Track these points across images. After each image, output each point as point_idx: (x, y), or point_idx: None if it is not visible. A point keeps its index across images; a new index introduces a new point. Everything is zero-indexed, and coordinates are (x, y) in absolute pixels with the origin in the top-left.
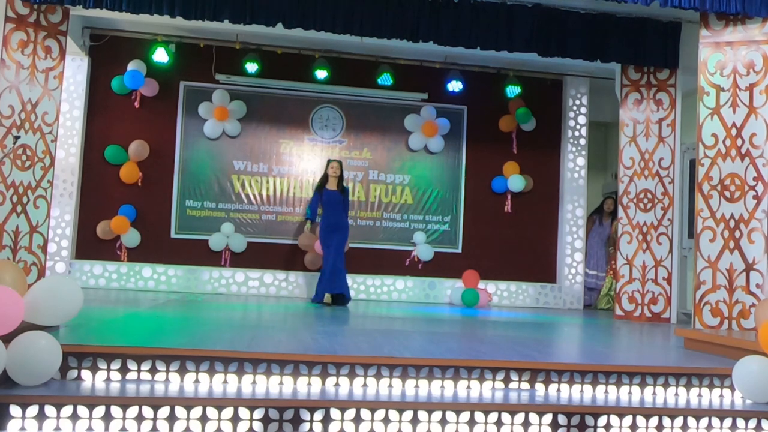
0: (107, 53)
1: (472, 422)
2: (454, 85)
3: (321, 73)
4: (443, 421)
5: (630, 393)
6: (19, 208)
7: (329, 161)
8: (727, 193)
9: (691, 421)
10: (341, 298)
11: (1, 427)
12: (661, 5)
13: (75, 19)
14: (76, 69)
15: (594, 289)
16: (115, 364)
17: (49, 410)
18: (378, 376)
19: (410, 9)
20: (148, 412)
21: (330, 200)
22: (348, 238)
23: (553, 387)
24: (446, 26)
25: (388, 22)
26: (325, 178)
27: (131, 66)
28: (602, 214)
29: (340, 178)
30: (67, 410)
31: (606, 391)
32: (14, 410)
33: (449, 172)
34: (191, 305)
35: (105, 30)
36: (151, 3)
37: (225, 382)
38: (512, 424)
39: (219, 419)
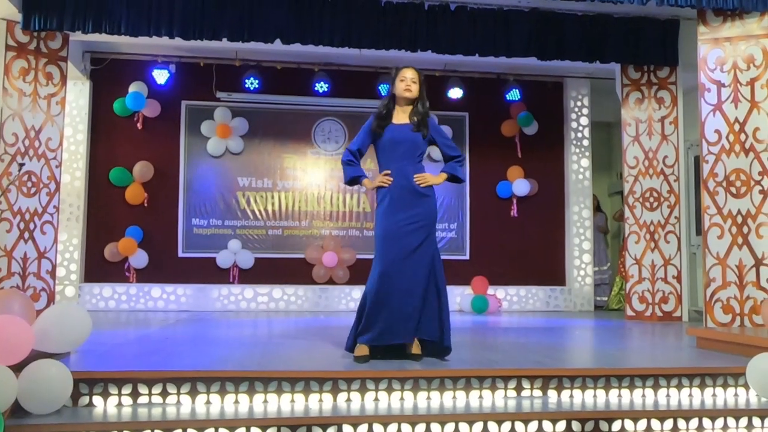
0: (108, 76)
1: None
2: (455, 92)
3: (321, 87)
4: None
5: (643, 396)
6: (26, 235)
7: (396, 70)
8: (733, 189)
9: (706, 422)
10: (433, 345)
11: None
12: (658, 4)
13: (75, 44)
14: (77, 93)
15: (599, 285)
16: (126, 389)
17: None
18: (389, 389)
19: (407, 19)
20: None
21: (397, 145)
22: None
23: (565, 393)
24: (444, 34)
25: (386, 32)
26: (392, 102)
27: (132, 88)
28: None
29: (419, 101)
30: None
31: (619, 395)
32: None
33: None
34: (201, 324)
35: (105, 53)
36: (150, 25)
37: (236, 402)
38: None
39: None
